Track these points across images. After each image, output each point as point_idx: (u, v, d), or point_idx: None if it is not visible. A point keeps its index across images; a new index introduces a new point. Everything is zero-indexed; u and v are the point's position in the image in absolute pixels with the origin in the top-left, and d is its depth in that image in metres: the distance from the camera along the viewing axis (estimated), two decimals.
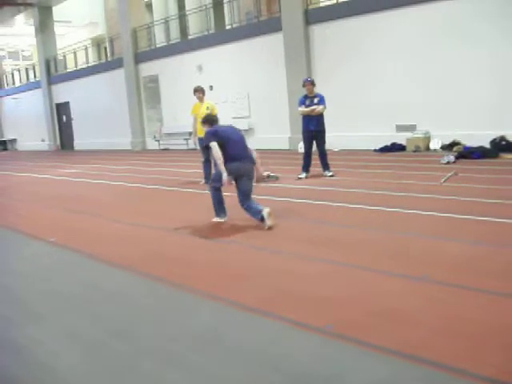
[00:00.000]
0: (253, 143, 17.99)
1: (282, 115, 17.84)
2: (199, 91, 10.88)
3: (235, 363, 3.13)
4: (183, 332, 3.64)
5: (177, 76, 22.18)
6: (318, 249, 5.49)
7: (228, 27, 21.83)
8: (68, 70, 30.93)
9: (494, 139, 12.86)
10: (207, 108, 10.56)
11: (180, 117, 21.42)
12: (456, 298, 3.90)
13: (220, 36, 20.77)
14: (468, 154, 12.30)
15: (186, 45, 22.30)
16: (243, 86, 19.54)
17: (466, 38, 13.54)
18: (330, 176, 10.57)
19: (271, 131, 18.71)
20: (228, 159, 6.66)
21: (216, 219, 7.08)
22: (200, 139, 10.49)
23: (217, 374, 3.02)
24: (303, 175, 10.65)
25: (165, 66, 23.06)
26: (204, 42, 21.07)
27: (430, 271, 4.48)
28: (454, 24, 13.74)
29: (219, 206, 7.07)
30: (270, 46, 18.27)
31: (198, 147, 10.73)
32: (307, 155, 10.70)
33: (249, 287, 4.43)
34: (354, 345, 3.23)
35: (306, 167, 10.72)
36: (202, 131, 10.60)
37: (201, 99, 10.87)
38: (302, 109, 10.52)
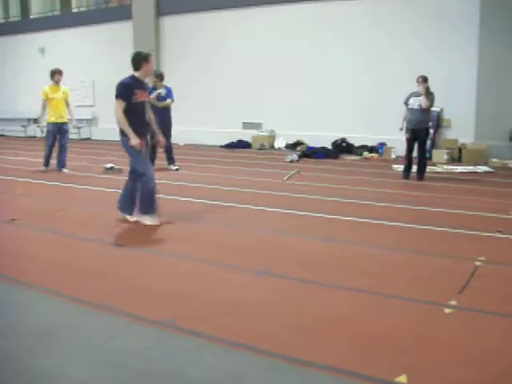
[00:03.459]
0: (96, 134, 17.19)
1: None
2: (60, 73, 10.19)
3: (74, 360, 2.93)
4: (16, 328, 3.36)
5: (16, 57, 20.69)
6: (163, 243, 5.34)
7: (75, 10, 20.76)
8: None
9: (336, 141, 13.55)
10: (63, 93, 10.15)
11: (19, 101, 20.07)
12: (299, 291, 3.97)
13: (66, 19, 19.68)
14: (311, 153, 12.83)
15: (27, 24, 20.85)
16: (88, 73, 18.69)
17: (318, 41, 14.08)
18: (175, 170, 10.44)
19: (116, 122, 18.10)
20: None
21: (150, 221, 6.09)
22: (51, 124, 9.90)
23: (54, 374, 2.79)
24: None
25: (2, 45, 21.41)
26: (48, 24, 19.85)
27: (271, 265, 4.54)
28: (299, 27, 14.22)
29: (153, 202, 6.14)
30: (119, 34, 17.66)
31: (45, 133, 10.14)
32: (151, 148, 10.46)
33: (90, 282, 4.18)
34: (197, 338, 3.18)
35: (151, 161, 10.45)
36: (52, 116, 9.97)
37: (58, 82, 10.19)
38: (153, 96, 10.20)
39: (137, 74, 6.05)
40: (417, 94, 9.35)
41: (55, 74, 10.15)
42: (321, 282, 4.18)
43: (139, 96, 5.97)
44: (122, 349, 3.07)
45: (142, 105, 6.07)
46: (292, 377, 2.79)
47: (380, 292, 3.97)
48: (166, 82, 10.64)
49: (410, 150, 9.51)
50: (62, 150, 10.24)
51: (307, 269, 4.51)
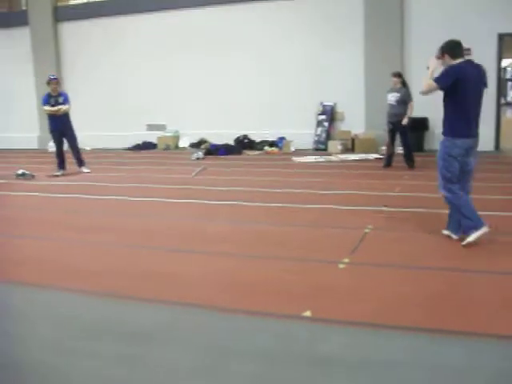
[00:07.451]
0: None
1: (30, 114, 17.18)
2: None
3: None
4: None
5: None
6: (92, 234, 5.82)
7: None
8: None
9: (238, 137, 14.27)
10: None
11: None
12: (223, 262, 4.63)
13: None
14: (215, 150, 13.48)
15: None
16: None
17: (217, 43, 14.72)
18: (87, 172, 10.75)
19: (19, 130, 17.88)
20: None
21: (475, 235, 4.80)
22: None
23: None
24: (60, 172, 10.63)
25: None
26: None
27: (196, 245, 5.19)
28: (198, 29, 14.85)
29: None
30: (16, 40, 17.42)
31: None
32: (59, 153, 10.70)
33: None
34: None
35: (61, 164, 10.72)
36: None
37: None
38: (48, 108, 10.46)
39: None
40: (392, 90, 10.12)
41: None
42: (236, 253, 4.88)
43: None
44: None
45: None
46: (219, 322, 3.46)
47: (279, 256, 4.77)
48: (68, 89, 10.85)
49: (391, 140, 10.18)
50: None
51: (226, 244, 5.18)
